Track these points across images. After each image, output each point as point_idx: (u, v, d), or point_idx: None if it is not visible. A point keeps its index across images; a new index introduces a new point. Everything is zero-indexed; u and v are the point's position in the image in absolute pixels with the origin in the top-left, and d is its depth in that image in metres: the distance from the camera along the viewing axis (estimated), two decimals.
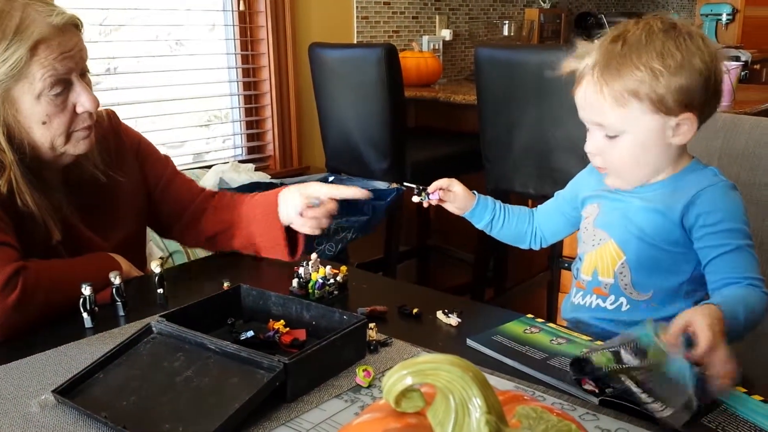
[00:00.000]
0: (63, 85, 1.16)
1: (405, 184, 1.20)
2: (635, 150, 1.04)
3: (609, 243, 1.11)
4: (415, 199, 1.19)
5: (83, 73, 1.20)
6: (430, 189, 1.19)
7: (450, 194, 1.21)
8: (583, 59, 1.06)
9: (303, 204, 1.31)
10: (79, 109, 1.18)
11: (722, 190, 1.04)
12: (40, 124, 1.16)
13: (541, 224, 1.27)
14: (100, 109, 1.26)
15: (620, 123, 1.03)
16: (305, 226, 1.32)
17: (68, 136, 1.20)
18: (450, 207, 1.22)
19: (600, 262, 1.13)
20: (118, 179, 1.33)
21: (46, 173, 1.24)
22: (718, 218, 1.02)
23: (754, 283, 0.98)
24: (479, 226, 1.25)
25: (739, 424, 0.79)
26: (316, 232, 1.34)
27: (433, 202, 1.20)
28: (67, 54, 1.14)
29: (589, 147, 1.09)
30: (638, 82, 1.00)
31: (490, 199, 1.25)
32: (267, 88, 2.98)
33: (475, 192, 1.23)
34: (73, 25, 1.17)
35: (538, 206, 1.29)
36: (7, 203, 1.15)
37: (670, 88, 0.99)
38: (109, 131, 1.36)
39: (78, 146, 1.22)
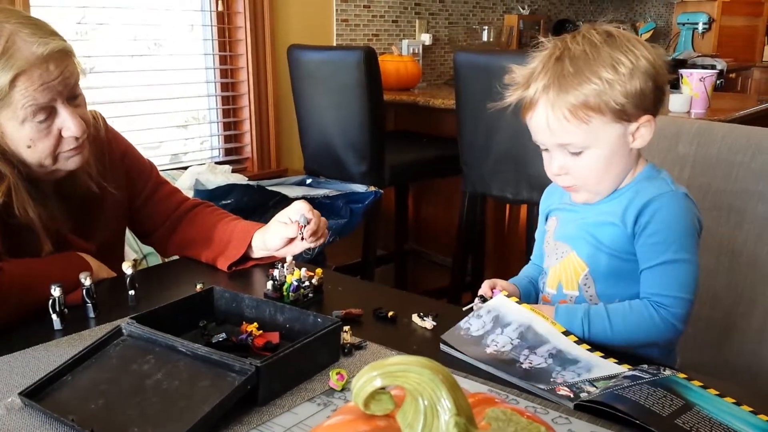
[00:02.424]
0: (47, 112, 1.14)
1: (465, 309, 1.15)
2: (602, 161, 1.05)
3: (571, 255, 1.12)
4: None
5: (73, 96, 1.18)
6: (486, 294, 1.13)
7: (501, 287, 1.16)
8: (528, 85, 1.05)
9: (286, 231, 1.31)
10: (65, 134, 1.17)
11: (667, 200, 1.04)
12: (26, 147, 1.16)
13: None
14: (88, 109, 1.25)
15: (585, 139, 1.03)
16: (302, 246, 1.32)
17: (55, 158, 1.19)
18: None
19: (564, 275, 1.13)
20: (107, 188, 1.33)
21: (41, 184, 1.23)
22: (653, 230, 1.03)
23: (659, 301, 1.02)
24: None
25: (712, 426, 0.79)
26: (320, 242, 1.34)
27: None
28: (49, 84, 1.12)
29: (554, 169, 1.08)
30: (596, 96, 1.00)
31: (520, 281, 1.23)
32: (245, 89, 2.96)
33: (514, 283, 1.21)
34: (61, 53, 1.14)
35: (532, 256, 1.28)
36: (2, 214, 1.15)
37: (627, 94, 1.01)
38: (98, 137, 1.35)
39: (68, 164, 1.21)
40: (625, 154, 1.06)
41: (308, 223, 1.30)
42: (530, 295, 1.22)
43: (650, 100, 1.04)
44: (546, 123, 1.04)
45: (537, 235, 1.26)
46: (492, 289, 1.16)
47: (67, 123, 1.16)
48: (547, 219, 1.21)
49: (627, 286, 1.07)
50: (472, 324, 1.04)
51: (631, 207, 1.05)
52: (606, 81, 1.00)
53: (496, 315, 1.06)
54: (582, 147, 1.04)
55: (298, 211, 1.31)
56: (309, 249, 1.37)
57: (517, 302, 1.07)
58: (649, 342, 1.05)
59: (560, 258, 1.14)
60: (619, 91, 1.00)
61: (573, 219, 1.13)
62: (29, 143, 1.15)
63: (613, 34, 1.04)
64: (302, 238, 1.30)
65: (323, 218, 1.35)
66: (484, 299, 1.13)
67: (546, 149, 1.09)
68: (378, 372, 0.48)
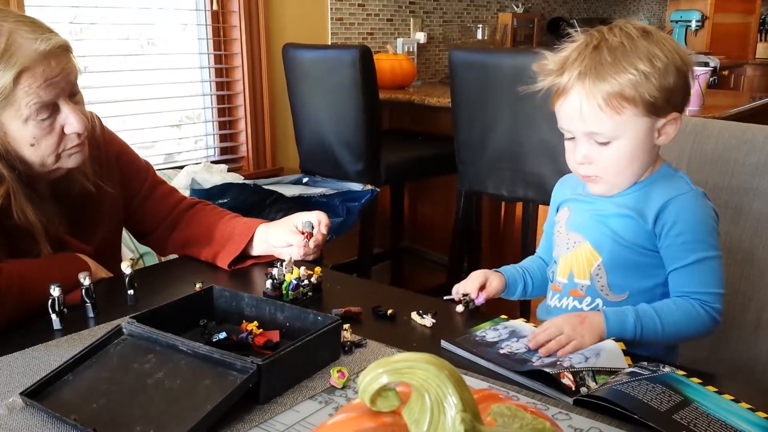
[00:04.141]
0: (50, 109, 1.14)
1: (445, 298, 1.19)
2: (627, 154, 1.06)
3: (585, 245, 1.12)
4: (460, 308, 1.15)
5: (74, 93, 1.18)
6: (473, 295, 1.16)
7: (490, 288, 1.19)
8: (562, 72, 1.06)
9: (291, 236, 1.33)
10: (67, 130, 1.17)
11: (690, 199, 1.06)
12: (29, 146, 1.15)
13: (550, 262, 1.25)
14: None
15: (615, 129, 1.04)
16: (299, 254, 1.33)
17: (58, 156, 1.19)
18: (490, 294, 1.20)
19: (576, 265, 1.14)
20: (103, 187, 1.33)
21: (38, 185, 1.23)
22: (680, 230, 1.05)
23: (700, 298, 1.04)
24: (515, 297, 1.24)
25: (710, 421, 0.80)
26: (310, 257, 1.36)
27: (479, 303, 1.17)
28: (52, 81, 1.12)
29: (578, 157, 1.08)
30: (633, 87, 1.01)
31: (514, 269, 1.25)
32: (240, 88, 2.96)
33: (498, 270, 1.22)
34: (62, 49, 1.14)
35: (537, 249, 1.30)
36: (0, 216, 1.14)
37: (660, 89, 1.02)
38: (93, 137, 1.35)
39: (69, 161, 1.21)
40: (648, 150, 1.07)
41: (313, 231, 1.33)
42: (515, 286, 1.23)
43: (679, 98, 1.05)
44: (579, 110, 1.05)
45: (545, 226, 1.27)
46: (480, 289, 1.18)
47: (70, 119, 1.16)
48: (558, 210, 1.21)
49: (639, 278, 1.09)
50: (488, 334, 1.06)
51: (652, 203, 1.07)
52: (642, 73, 1.01)
53: (512, 329, 1.07)
54: (610, 137, 1.05)
55: (314, 219, 1.34)
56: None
57: (534, 326, 1.08)
58: (695, 337, 1.08)
59: (572, 248, 1.14)
60: (654, 84, 1.02)
61: (587, 209, 1.14)
62: (32, 141, 1.15)
63: (648, 30, 1.06)
64: (306, 246, 1.33)
65: (317, 241, 1.36)
66: (467, 304, 1.15)
67: (571, 138, 1.09)
68: (384, 369, 0.49)
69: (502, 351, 1.00)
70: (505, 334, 1.05)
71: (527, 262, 1.29)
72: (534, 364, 0.95)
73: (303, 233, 1.33)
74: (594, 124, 1.05)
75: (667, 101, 1.03)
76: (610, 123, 1.03)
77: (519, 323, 1.09)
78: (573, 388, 0.88)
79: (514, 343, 1.02)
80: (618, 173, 1.08)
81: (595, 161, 1.07)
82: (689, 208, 1.06)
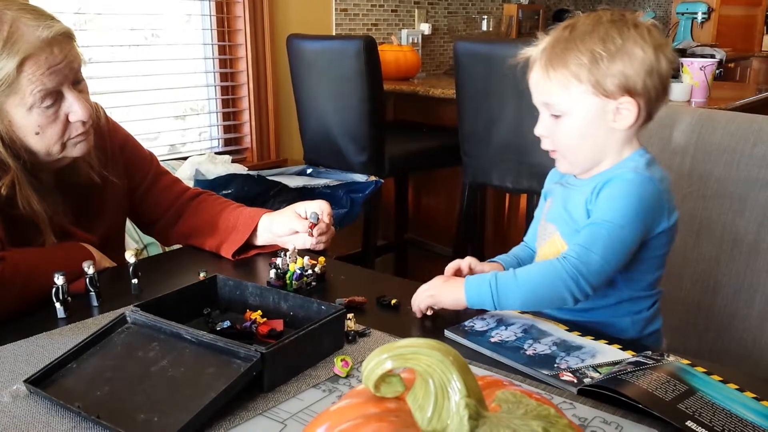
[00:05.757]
0: (54, 96, 1.14)
1: None
2: (577, 131, 1.07)
3: (555, 236, 1.12)
4: None
5: (77, 81, 1.18)
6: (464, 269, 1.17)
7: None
8: (536, 47, 1.11)
9: (295, 223, 1.33)
10: (72, 118, 1.17)
11: (624, 178, 1.03)
12: (34, 135, 1.16)
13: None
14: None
15: (563, 103, 1.07)
16: (306, 242, 1.33)
17: (63, 145, 1.19)
18: None
19: (550, 256, 1.13)
20: (108, 177, 1.33)
21: (42, 175, 1.23)
22: (598, 200, 1.04)
23: (567, 252, 1.02)
24: None
25: (715, 411, 0.79)
26: (320, 246, 1.35)
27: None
28: (56, 68, 1.12)
29: (539, 129, 1.12)
30: (579, 65, 1.04)
31: (510, 259, 1.23)
32: (244, 79, 2.95)
33: (496, 260, 1.22)
34: (64, 36, 1.14)
35: (525, 236, 1.28)
36: (5, 206, 1.15)
37: (609, 71, 1.03)
38: (98, 127, 1.35)
39: (75, 150, 1.21)
40: (604, 131, 1.07)
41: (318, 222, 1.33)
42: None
43: (637, 86, 1.03)
44: (536, 82, 1.09)
45: (536, 213, 1.27)
46: (469, 268, 1.17)
47: (74, 107, 1.16)
48: (546, 198, 1.22)
49: None
50: (476, 323, 1.06)
51: (597, 187, 1.06)
52: (590, 52, 1.03)
53: (499, 318, 1.08)
54: (561, 111, 1.07)
55: (317, 208, 1.33)
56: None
57: (519, 312, 1.09)
58: (553, 296, 1.02)
59: (547, 239, 1.15)
60: (601, 65, 1.03)
61: (561, 199, 1.14)
62: (38, 130, 1.15)
63: (624, 17, 1.06)
64: (310, 235, 1.32)
65: (332, 228, 1.36)
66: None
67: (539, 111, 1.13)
68: (388, 354, 0.49)
69: (492, 340, 1.00)
70: (493, 323, 1.05)
71: (518, 250, 1.27)
72: (526, 352, 0.96)
73: (308, 220, 1.32)
74: (545, 95, 1.08)
75: (615, 85, 1.03)
76: (558, 96, 1.06)
77: (505, 311, 1.09)
78: (575, 382, 0.88)
79: (503, 331, 1.03)
80: (571, 149, 1.09)
81: (551, 134, 1.10)
82: (616, 185, 1.03)
